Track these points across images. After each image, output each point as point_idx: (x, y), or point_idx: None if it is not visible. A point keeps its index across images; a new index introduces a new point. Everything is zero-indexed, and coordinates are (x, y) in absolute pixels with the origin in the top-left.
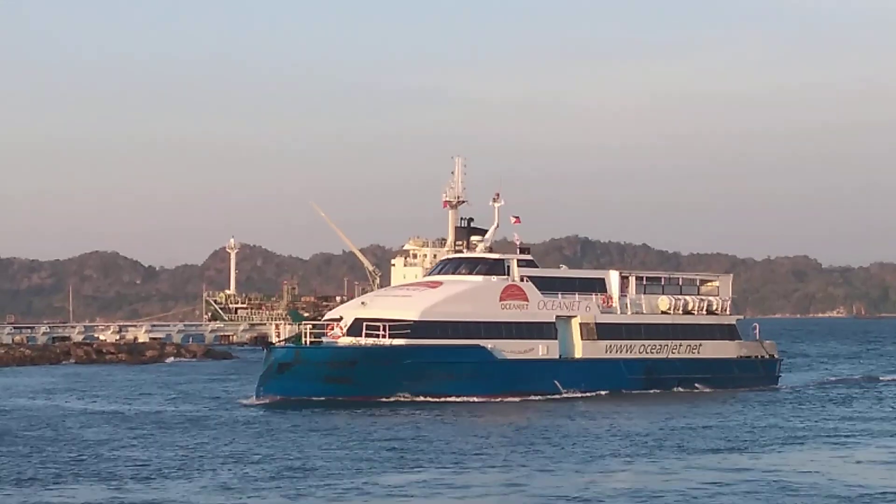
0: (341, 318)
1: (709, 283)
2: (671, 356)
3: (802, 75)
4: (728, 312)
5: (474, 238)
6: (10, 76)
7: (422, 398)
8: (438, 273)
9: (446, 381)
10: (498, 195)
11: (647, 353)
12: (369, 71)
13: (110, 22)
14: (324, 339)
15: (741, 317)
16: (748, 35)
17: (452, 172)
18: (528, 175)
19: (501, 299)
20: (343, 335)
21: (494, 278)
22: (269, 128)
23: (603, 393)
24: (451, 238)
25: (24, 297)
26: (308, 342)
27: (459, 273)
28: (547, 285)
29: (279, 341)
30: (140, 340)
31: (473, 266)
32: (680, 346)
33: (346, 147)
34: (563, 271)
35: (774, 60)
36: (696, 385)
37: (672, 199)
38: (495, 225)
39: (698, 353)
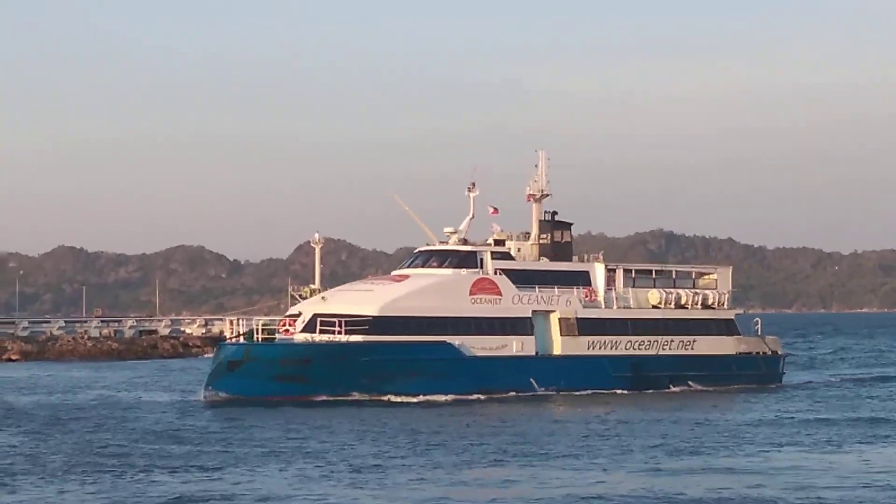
0: (300, 314)
1: (706, 277)
2: (661, 353)
3: (884, 67)
4: (726, 306)
5: (446, 229)
6: (95, 76)
7: (385, 397)
8: (408, 266)
9: (409, 380)
10: (474, 185)
11: (634, 349)
12: (452, 65)
13: (188, 20)
14: (277, 336)
15: (740, 311)
16: (833, 26)
17: (536, 165)
18: (613, 168)
19: (471, 293)
20: (297, 332)
21: (465, 271)
22: (353, 122)
23: (585, 392)
24: (534, 231)
25: (111, 290)
26: (259, 339)
27: (429, 266)
28: (523, 278)
29: (231, 337)
30: (226, 334)
31: (444, 259)
32: (671, 342)
33: (429, 140)
34: (543, 264)
35: (856, 52)
36: (690, 383)
37: (758, 192)
38: (470, 216)
39: (692, 349)
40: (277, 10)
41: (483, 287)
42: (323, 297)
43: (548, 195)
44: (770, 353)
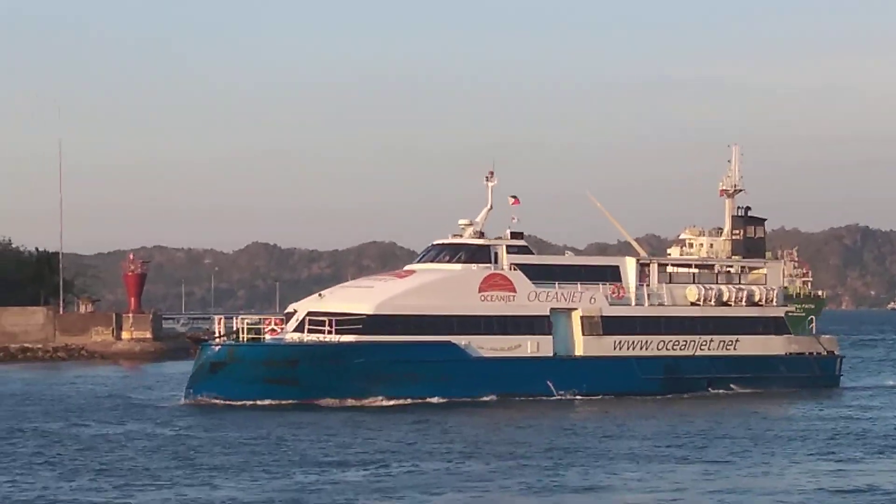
0: (295, 312)
1: (755, 272)
2: (699, 353)
3: None
4: (775, 303)
5: (461, 221)
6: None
7: (384, 402)
8: (419, 261)
9: (407, 383)
10: (492, 174)
11: (667, 350)
12: (647, 62)
13: (356, 33)
14: (265, 336)
15: (792, 309)
16: None
17: (729, 161)
18: (808, 163)
19: (481, 290)
20: (289, 331)
21: (475, 266)
22: (546, 121)
23: (609, 396)
24: (727, 227)
25: (304, 286)
26: (245, 339)
27: (440, 261)
28: (542, 274)
29: (219, 336)
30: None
31: (455, 253)
32: (710, 341)
33: (623, 138)
34: (566, 258)
35: None
36: (732, 386)
37: None
38: (489, 206)
39: (734, 349)
40: (450, 20)
41: (495, 283)
42: (320, 294)
43: (741, 191)
44: (826, 353)
